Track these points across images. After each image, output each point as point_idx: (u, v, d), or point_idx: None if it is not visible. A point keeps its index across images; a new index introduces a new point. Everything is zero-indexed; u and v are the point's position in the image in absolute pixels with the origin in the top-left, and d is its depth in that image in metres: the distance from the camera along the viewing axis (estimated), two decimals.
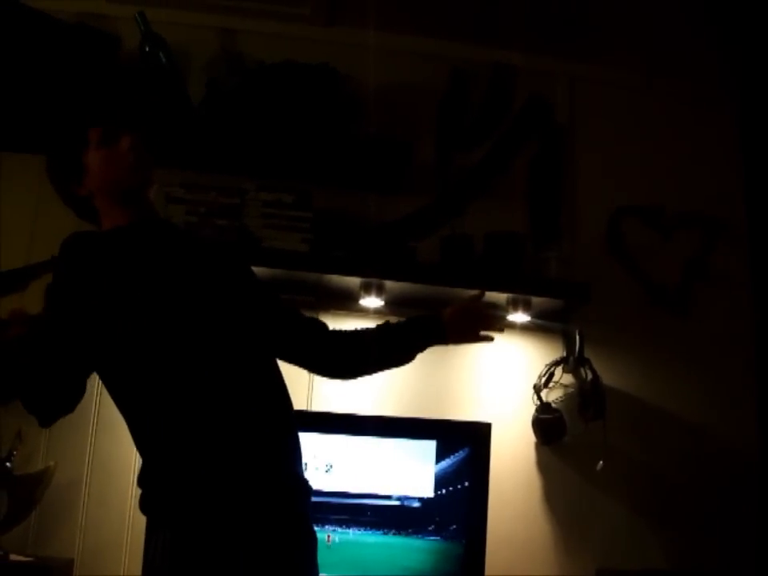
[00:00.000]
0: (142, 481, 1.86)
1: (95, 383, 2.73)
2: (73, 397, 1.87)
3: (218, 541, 1.75)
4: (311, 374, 2.78)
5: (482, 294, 2.31)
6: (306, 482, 1.92)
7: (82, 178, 1.98)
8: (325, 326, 2.11)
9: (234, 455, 1.80)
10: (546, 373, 2.93)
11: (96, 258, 1.90)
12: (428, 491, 2.64)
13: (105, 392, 2.69)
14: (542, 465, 2.93)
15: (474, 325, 2.21)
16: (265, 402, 1.89)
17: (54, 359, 1.79)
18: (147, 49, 2.78)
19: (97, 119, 1.99)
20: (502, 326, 2.28)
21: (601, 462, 2.83)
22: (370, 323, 2.26)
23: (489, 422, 2.73)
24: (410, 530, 2.62)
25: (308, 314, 2.16)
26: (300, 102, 2.81)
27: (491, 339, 2.25)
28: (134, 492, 2.68)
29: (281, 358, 2.05)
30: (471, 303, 2.25)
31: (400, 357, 2.16)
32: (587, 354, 2.91)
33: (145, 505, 1.84)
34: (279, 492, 1.83)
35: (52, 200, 2.81)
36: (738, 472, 3.01)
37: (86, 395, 2.69)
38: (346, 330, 2.12)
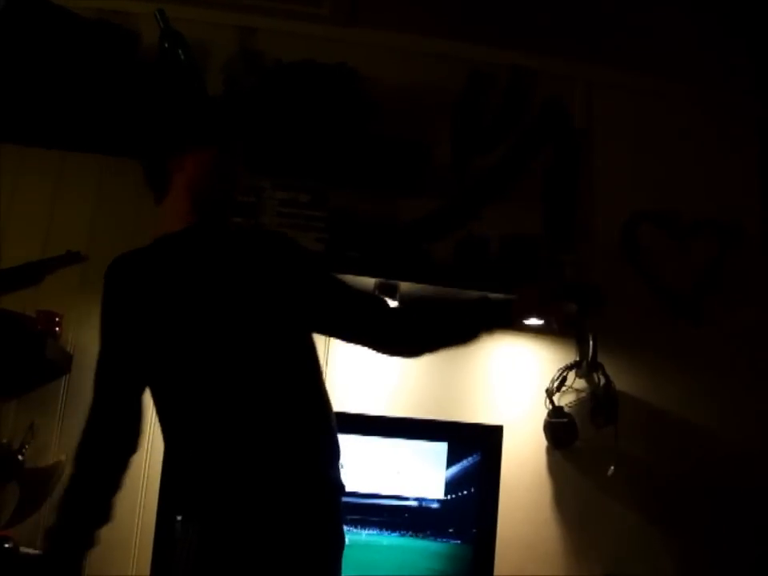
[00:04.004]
0: (171, 474, 1.91)
1: None
2: (132, 426, 1.98)
3: (240, 535, 1.77)
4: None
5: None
6: (332, 480, 1.92)
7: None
8: (385, 302, 2.08)
9: (262, 452, 1.83)
10: (559, 377, 2.92)
11: (133, 278, 1.97)
12: (438, 493, 2.64)
13: None
14: (553, 469, 2.92)
15: (538, 307, 2.10)
16: (297, 402, 1.90)
17: (105, 388, 1.94)
18: (166, 46, 2.79)
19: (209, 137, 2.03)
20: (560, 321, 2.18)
21: (612, 468, 2.82)
22: None
23: (500, 424, 2.73)
24: (418, 532, 2.62)
25: None
26: (318, 101, 2.81)
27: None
28: (145, 489, 2.69)
29: (344, 339, 2.07)
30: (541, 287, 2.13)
31: (464, 338, 2.09)
32: (600, 359, 2.90)
33: (174, 498, 1.87)
34: (303, 490, 1.84)
35: (68, 195, 2.87)
36: (750, 480, 2.99)
37: None
38: (408, 307, 2.08)
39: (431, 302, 2.09)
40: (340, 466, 1.95)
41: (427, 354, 2.10)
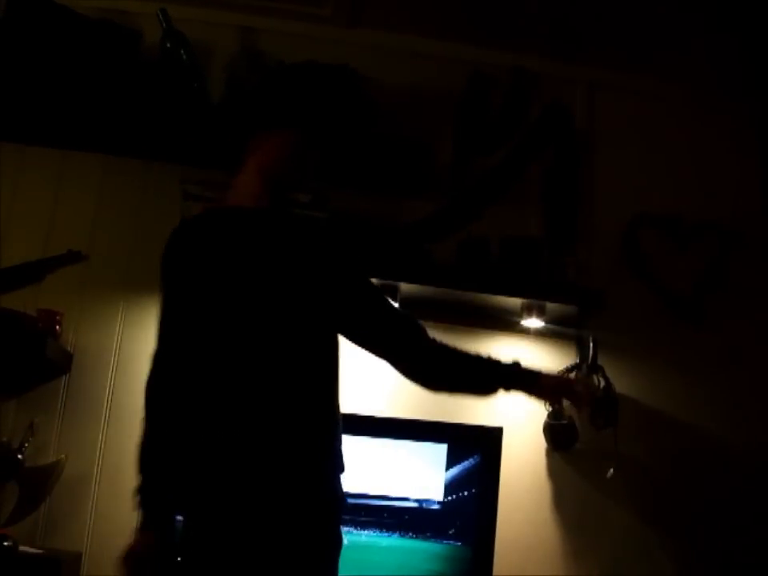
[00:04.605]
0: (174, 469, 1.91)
1: (109, 375, 2.76)
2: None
3: (236, 533, 1.79)
4: None
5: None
6: (331, 484, 1.92)
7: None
8: (422, 329, 2.09)
9: (263, 450, 1.84)
10: None
11: (188, 242, 2.00)
12: (438, 494, 2.64)
13: (117, 385, 2.74)
14: (553, 471, 2.92)
15: (565, 390, 2.20)
16: (306, 403, 1.90)
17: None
18: (168, 45, 2.80)
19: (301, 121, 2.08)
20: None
21: (611, 470, 2.82)
22: None
23: (500, 426, 2.72)
24: (418, 533, 2.62)
25: None
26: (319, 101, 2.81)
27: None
28: None
29: (370, 350, 2.08)
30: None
31: (483, 393, 2.16)
32: (600, 361, 2.90)
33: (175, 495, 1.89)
34: (301, 490, 1.85)
35: (69, 194, 2.87)
36: (750, 482, 2.98)
37: (99, 388, 2.75)
38: (443, 345, 2.10)
39: (464, 350, 2.11)
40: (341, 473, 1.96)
41: (443, 392, 2.16)
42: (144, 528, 1.86)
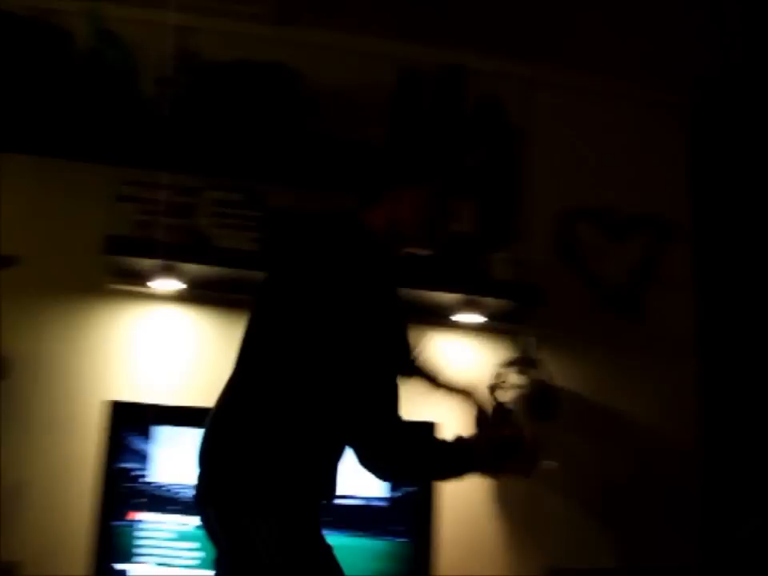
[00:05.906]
0: None
1: (46, 382, 2.72)
2: None
3: None
4: None
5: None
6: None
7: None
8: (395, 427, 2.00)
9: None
10: (498, 373, 2.93)
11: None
12: (379, 491, 2.64)
13: (54, 393, 2.71)
14: None
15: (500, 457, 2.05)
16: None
17: None
18: (99, 45, 2.76)
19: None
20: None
21: (551, 462, 2.83)
22: None
23: (432, 421, 2.70)
24: (359, 530, 2.62)
25: None
26: (254, 100, 2.80)
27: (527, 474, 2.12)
28: (83, 495, 2.65)
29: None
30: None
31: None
32: (540, 355, 2.91)
33: None
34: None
35: (1, 197, 2.83)
36: (685, 472, 3.03)
37: (35, 396, 2.71)
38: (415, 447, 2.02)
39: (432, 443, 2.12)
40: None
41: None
42: None
